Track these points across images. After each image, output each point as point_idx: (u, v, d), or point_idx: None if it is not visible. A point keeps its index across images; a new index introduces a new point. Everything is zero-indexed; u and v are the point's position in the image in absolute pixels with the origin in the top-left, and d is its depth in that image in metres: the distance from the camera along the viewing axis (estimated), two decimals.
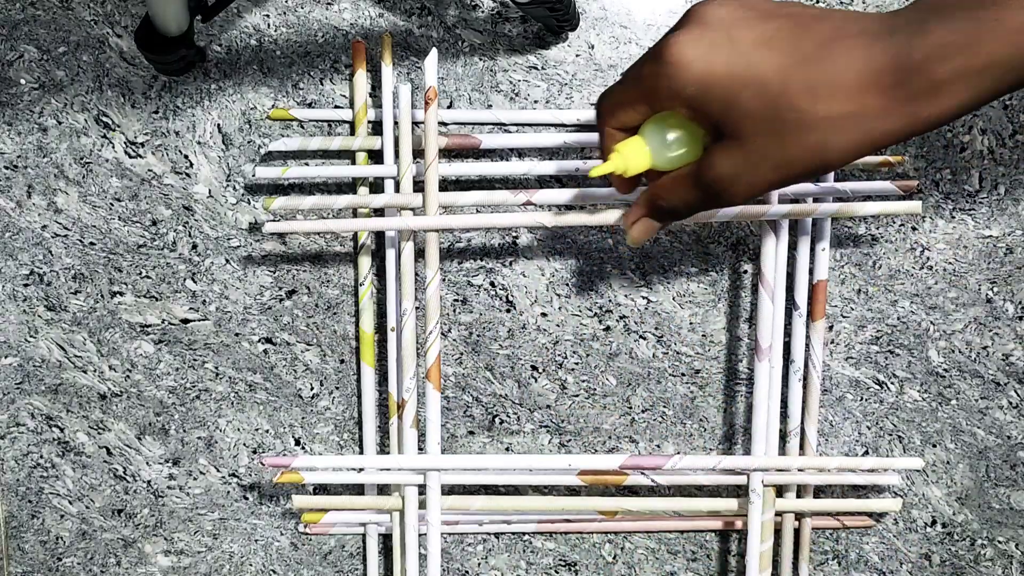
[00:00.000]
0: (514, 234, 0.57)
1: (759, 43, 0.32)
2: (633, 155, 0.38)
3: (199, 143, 0.56)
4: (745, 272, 0.57)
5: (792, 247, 0.56)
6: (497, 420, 0.58)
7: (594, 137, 0.55)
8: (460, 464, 0.54)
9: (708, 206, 0.37)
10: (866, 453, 0.58)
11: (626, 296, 0.57)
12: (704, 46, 0.33)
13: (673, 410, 0.58)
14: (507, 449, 0.58)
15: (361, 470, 0.56)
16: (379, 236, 0.57)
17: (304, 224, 0.52)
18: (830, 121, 0.32)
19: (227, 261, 0.57)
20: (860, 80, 0.31)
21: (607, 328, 0.58)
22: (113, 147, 0.56)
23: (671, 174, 0.38)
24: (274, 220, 0.56)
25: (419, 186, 0.54)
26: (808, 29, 0.32)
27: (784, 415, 0.57)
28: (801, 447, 0.56)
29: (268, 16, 0.55)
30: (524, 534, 0.59)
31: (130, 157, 0.57)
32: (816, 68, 0.32)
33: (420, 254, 0.56)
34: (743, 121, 0.33)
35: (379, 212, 0.56)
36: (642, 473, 0.56)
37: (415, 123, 0.55)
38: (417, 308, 0.56)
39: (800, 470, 0.57)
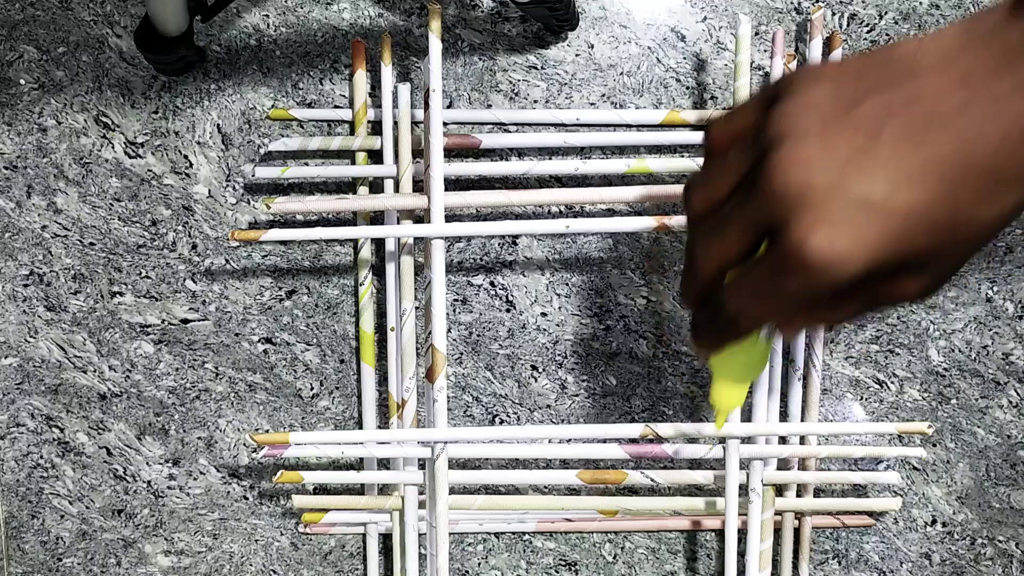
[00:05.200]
0: (514, 234, 0.57)
1: (894, 187, 0.26)
2: (729, 399, 0.33)
3: (199, 143, 0.56)
4: None
5: None
6: (497, 420, 0.58)
7: (594, 136, 0.55)
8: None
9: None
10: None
11: (626, 296, 0.57)
12: (845, 233, 0.26)
13: (673, 410, 0.58)
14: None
15: (361, 463, 0.56)
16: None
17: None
18: (1017, 204, 0.27)
19: (227, 261, 0.57)
20: (1015, 153, 0.26)
21: (607, 328, 0.58)
22: (113, 147, 0.56)
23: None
24: (272, 226, 0.56)
25: (419, 186, 0.54)
26: (918, 118, 0.26)
27: (784, 415, 0.57)
28: (801, 446, 0.56)
29: (268, 16, 0.55)
30: (524, 534, 0.59)
31: (130, 157, 0.57)
32: (970, 174, 0.26)
33: (420, 251, 0.56)
34: (926, 257, 0.28)
35: (378, 212, 0.56)
36: (642, 473, 0.56)
37: (415, 123, 0.55)
38: (417, 308, 0.56)
39: (803, 468, 0.57)
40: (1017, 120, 0.25)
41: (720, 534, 0.59)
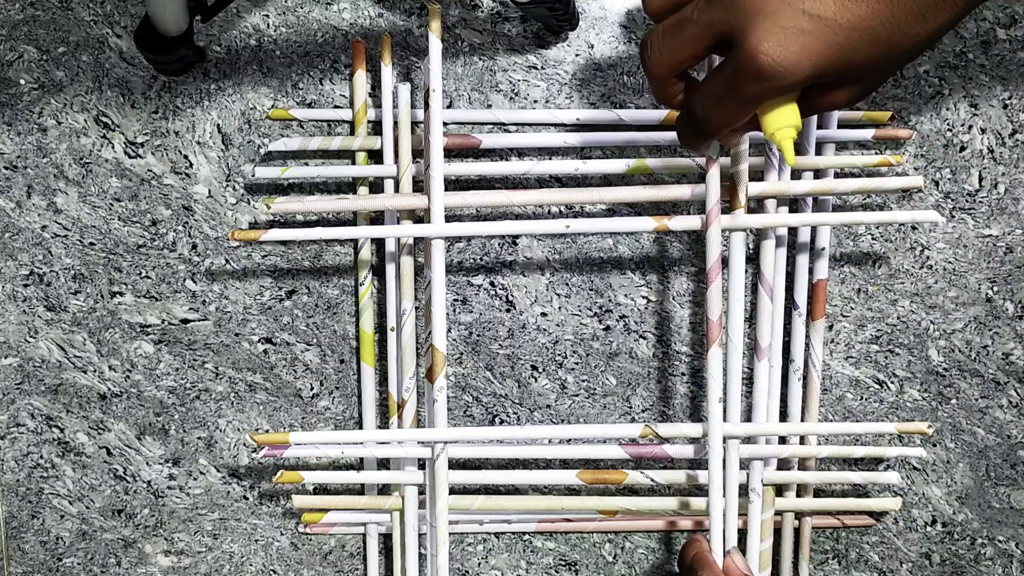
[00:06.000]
0: (514, 234, 0.57)
1: (841, 5, 0.30)
2: (787, 118, 0.35)
3: (199, 143, 0.56)
4: (745, 271, 0.57)
5: (791, 246, 0.56)
6: (497, 420, 0.58)
7: (594, 136, 0.55)
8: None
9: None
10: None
11: (626, 296, 0.57)
12: (795, 42, 0.30)
13: (673, 410, 0.58)
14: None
15: (361, 463, 0.56)
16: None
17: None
18: (945, 25, 0.30)
19: (227, 261, 0.57)
20: None
21: (607, 328, 0.58)
22: (113, 147, 0.56)
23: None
24: (272, 226, 0.56)
25: (419, 186, 0.54)
26: None
27: (784, 415, 0.57)
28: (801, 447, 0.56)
29: (268, 16, 0.55)
30: (524, 534, 0.59)
31: (130, 157, 0.57)
32: None
33: (420, 252, 0.56)
34: (861, 72, 0.32)
35: (379, 212, 0.56)
36: (642, 473, 0.56)
37: (415, 123, 0.55)
38: (417, 308, 0.56)
39: (803, 468, 0.57)
40: None
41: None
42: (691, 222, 0.52)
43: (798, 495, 0.57)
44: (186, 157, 0.56)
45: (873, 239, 0.57)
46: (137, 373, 0.58)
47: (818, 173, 0.55)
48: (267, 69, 0.56)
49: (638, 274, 0.57)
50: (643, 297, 0.57)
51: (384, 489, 0.58)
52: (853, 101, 0.34)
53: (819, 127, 0.54)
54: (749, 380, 0.57)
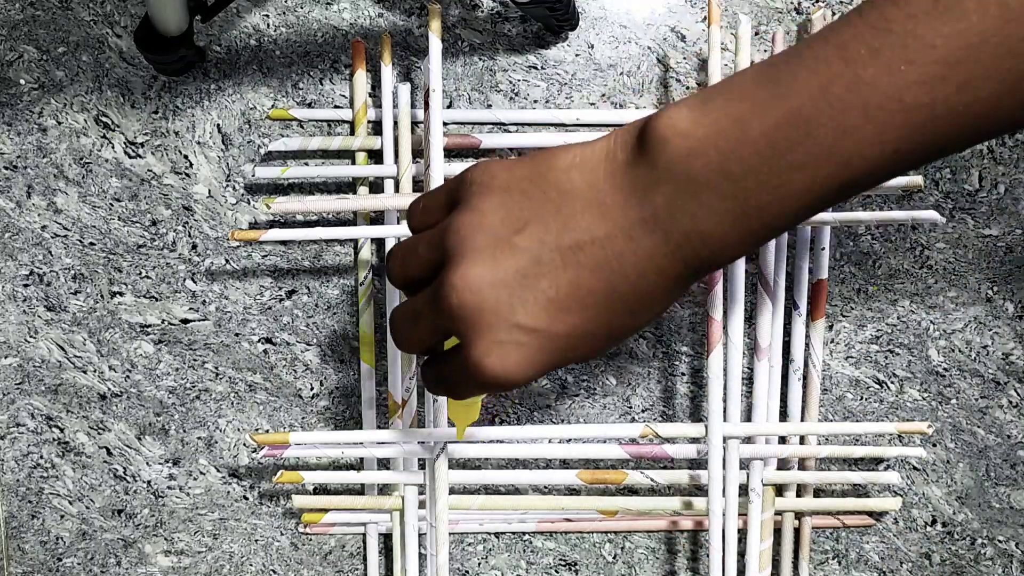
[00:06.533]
0: None
1: (551, 317, 0.30)
2: (464, 418, 0.41)
3: (199, 143, 0.56)
4: (745, 272, 0.57)
5: (792, 247, 0.56)
6: (497, 420, 0.58)
7: (594, 136, 0.55)
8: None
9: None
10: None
11: None
12: (510, 352, 0.30)
13: (673, 410, 0.58)
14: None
15: (361, 463, 0.56)
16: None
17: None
18: (660, 311, 0.31)
19: (227, 261, 0.57)
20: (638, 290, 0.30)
21: None
22: (113, 147, 0.56)
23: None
24: (272, 226, 0.56)
25: (419, 186, 0.54)
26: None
27: (784, 415, 0.57)
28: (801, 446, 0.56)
29: (268, 16, 0.55)
30: (524, 534, 0.59)
31: (130, 157, 0.57)
32: (616, 293, 0.30)
33: None
34: (586, 359, 0.33)
35: (378, 212, 0.56)
36: (642, 473, 0.56)
37: (415, 123, 0.55)
38: None
39: (803, 468, 0.57)
40: (649, 254, 0.28)
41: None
42: None
43: (798, 495, 0.57)
44: (186, 157, 0.56)
45: (873, 239, 0.57)
46: (137, 373, 0.58)
47: None
48: (267, 69, 0.56)
49: None
50: None
51: (384, 489, 0.58)
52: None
53: None
54: (749, 380, 0.57)
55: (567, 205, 0.29)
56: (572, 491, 0.59)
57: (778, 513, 0.57)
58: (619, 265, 0.29)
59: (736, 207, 0.27)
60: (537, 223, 0.29)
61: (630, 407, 0.58)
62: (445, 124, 0.56)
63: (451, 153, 0.56)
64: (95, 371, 0.58)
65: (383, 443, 0.54)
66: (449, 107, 0.56)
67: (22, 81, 0.56)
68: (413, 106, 0.55)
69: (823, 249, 0.55)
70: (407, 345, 0.35)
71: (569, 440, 0.56)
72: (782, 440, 0.56)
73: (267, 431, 0.58)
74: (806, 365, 0.56)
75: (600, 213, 0.29)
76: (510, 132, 0.56)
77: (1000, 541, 0.59)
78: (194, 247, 0.57)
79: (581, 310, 0.30)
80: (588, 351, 0.31)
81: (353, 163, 0.56)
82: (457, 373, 0.33)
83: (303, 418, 0.59)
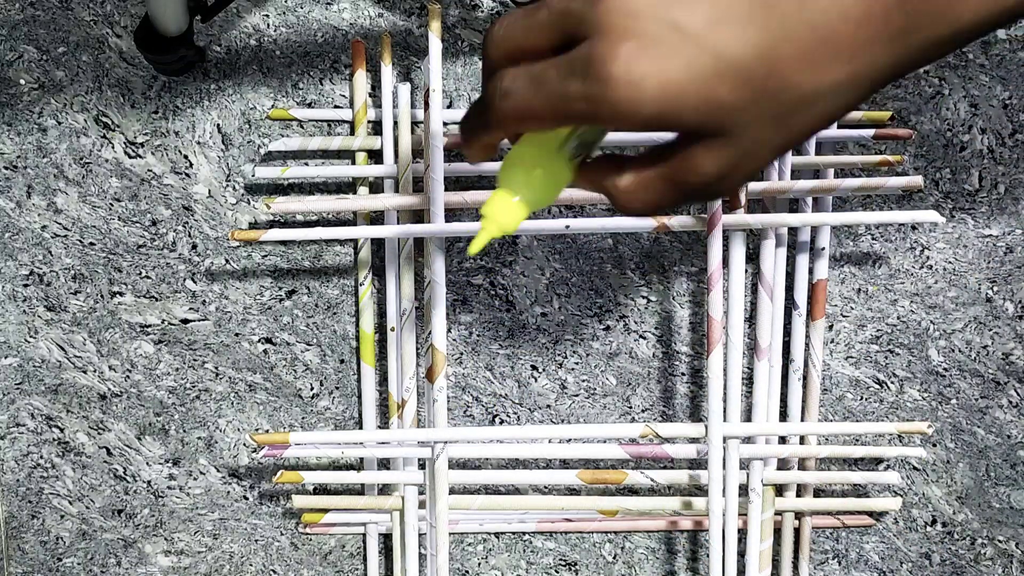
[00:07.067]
0: (514, 233, 0.57)
1: (715, 22, 0.24)
2: (504, 214, 0.30)
3: (199, 143, 0.56)
4: (745, 271, 0.57)
5: (792, 246, 0.56)
6: (497, 420, 0.58)
7: None
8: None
9: (694, 203, 0.30)
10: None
11: (626, 296, 0.57)
12: (651, 53, 0.24)
13: (673, 410, 0.58)
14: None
15: (361, 463, 0.56)
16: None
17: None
18: (836, 85, 0.25)
19: (227, 261, 0.57)
20: (859, 27, 0.24)
21: (607, 328, 0.58)
22: (113, 147, 0.56)
23: (637, 178, 0.30)
24: (272, 226, 0.56)
25: (419, 186, 0.54)
26: None
27: (784, 415, 0.57)
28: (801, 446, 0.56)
29: (268, 16, 0.55)
30: (524, 534, 0.59)
31: (130, 157, 0.57)
32: (803, 31, 0.24)
33: (420, 252, 0.56)
34: (729, 118, 0.26)
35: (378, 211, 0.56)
36: (642, 473, 0.56)
37: (415, 123, 0.55)
38: (417, 308, 0.56)
39: (803, 468, 0.57)
40: None
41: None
42: (691, 222, 0.52)
43: (798, 495, 0.57)
44: (186, 157, 0.56)
45: (873, 239, 0.57)
46: (137, 373, 0.58)
47: (818, 172, 0.55)
48: (267, 69, 0.56)
49: (638, 274, 0.57)
50: (643, 297, 0.57)
51: (384, 489, 0.58)
52: (724, 171, 0.27)
53: None
54: (749, 380, 0.57)
55: None
56: (572, 491, 0.59)
57: (778, 513, 0.57)
58: None
59: None
60: None
61: (630, 407, 0.58)
62: (445, 124, 0.56)
63: (451, 153, 0.56)
64: (95, 371, 0.58)
65: (383, 443, 0.54)
66: (449, 107, 0.56)
67: (22, 81, 0.56)
68: (413, 106, 0.55)
69: (823, 249, 0.55)
70: (506, 39, 0.28)
71: (569, 440, 0.56)
72: (782, 440, 0.56)
73: (267, 431, 0.58)
74: (806, 365, 0.56)
75: None
76: None
77: (1000, 541, 0.59)
78: (194, 247, 0.57)
79: (750, 25, 0.24)
80: (731, 98, 0.25)
81: (353, 163, 0.56)
82: (561, 65, 0.26)
83: (303, 418, 0.59)
